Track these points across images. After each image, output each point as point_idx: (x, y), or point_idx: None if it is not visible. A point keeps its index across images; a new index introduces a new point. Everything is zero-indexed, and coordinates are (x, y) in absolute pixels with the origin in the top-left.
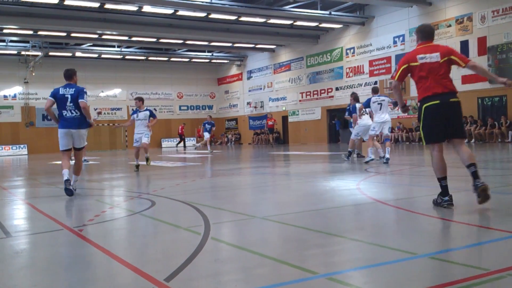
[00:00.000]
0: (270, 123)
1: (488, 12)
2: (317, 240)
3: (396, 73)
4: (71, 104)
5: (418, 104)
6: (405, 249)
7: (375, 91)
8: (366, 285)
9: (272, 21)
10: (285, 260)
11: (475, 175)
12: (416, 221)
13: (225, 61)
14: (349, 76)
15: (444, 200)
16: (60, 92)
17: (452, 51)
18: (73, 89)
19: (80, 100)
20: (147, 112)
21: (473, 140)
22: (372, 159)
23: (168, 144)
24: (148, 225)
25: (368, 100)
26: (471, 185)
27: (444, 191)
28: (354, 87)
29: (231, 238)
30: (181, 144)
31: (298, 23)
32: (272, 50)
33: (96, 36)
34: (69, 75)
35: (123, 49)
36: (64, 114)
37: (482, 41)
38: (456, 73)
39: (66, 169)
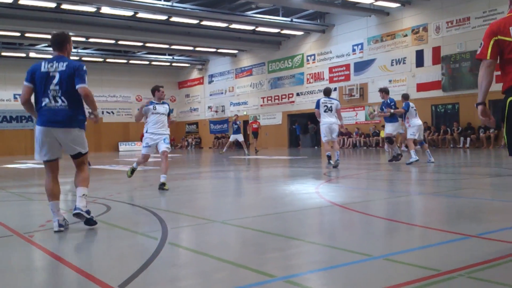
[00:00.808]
0: (254, 126)
1: (442, 23)
2: (275, 243)
3: (485, 50)
4: (57, 87)
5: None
6: (361, 251)
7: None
8: (323, 287)
9: (234, 26)
10: (244, 264)
11: None
12: (372, 224)
13: (186, 65)
14: (309, 82)
15: None
16: (42, 69)
17: None
18: (65, 65)
19: (78, 86)
20: (167, 106)
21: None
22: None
23: (125, 148)
24: (102, 230)
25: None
26: None
27: None
28: (314, 93)
29: (190, 242)
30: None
31: (260, 29)
32: (234, 55)
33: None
34: (59, 42)
35: (79, 51)
36: (43, 103)
37: (436, 50)
38: (411, 81)
39: (53, 200)
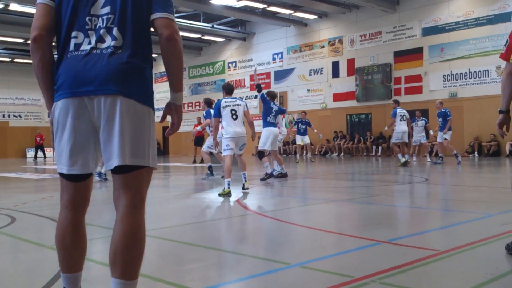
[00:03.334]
0: (198, 129)
1: (356, 36)
2: (194, 254)
3: (509, 51)
4: (108, 10)
5: None
6: (279, 259)
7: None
8: None
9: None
10: (161, 277)
11: None
12: (289, 231)
13: None
14: None
15: None
16: None
17: None
18: None
19: (159, 15)
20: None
21: (342, 154)
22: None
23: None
24: (5, 244)
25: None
26: None
27: None
28: None
29: (103, 255)
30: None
31: (181, 33)
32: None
33: None
34: None
35: None
36: (73, 43)
37: (351, 62)
38: (328, 91)
39: (71, 272)
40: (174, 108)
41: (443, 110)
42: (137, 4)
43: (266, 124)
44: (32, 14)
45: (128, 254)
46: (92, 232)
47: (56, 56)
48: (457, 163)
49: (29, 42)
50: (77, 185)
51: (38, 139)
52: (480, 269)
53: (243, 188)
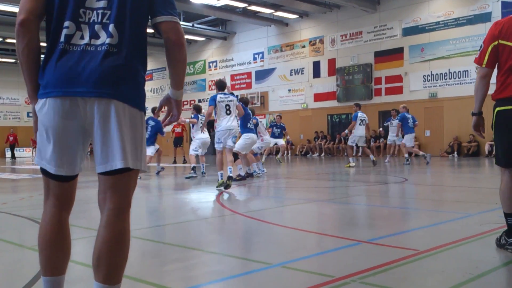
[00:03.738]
0: (177, 130)
1: (337, 36)
2: (175, 254)
3: (483, 55)
4: (104, 4)
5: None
6: (260, 259)
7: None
8: None
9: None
10: (142, 278)
11: None
12: (271, 232)
13: None
14: (211, 89)
15: (508, 242)
16: None
17: None
18: None
19: (163, 19)
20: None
21: (323, 154)
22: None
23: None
24: None
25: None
26: None
27: (510, 230)
28: None
29: (83, 256)
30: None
31: None
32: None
33: None
34: None
35: None
36: (63, 36)
37: (332, 62)
38: (309, 91)
39: (52, 275)
40: (174, 103)
41: (402, 114)
42: (137, 3)
43: (247, 130)
44: (11, 12)
45: (112, 259)
46: (73, 233)
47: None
48: (426, 163)
49: (7, 41)
50: (64, 185)
51: (11, 138)
52: (460, 269)
53: (228, 180)
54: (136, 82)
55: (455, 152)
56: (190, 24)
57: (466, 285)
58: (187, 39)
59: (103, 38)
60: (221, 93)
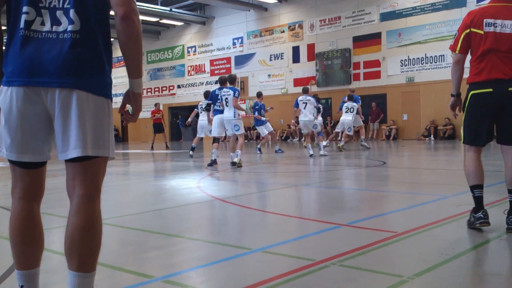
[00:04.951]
0: (158, 116)
1: (316, 21)
2: (155, 242)
3: (456, 43)
4: None
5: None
6: (241, 244)
7: (304, 91)
8: (202, 284)
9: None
10: (121, 266)
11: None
12: (251, 217)
13: None
14: (190, 74)
15: (476, 218)
16: None
17: None
18: None
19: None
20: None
21: (303, 139)
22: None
23: None
24: None
25: (296, 100)
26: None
27: (477, 205)
28: (196, 86)
29: (61, 246)
30: None
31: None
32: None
33: None
34: None
35: None
36: (22, 22)
37: (311, 47)
38: (289, 76)
39: (25, 269)
40: (132, 97)
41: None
42: None
43: (214, 112)
44: None
45: (85, 247)
46: (50, 222)
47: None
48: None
49: None
50: (31, 173)
51: None
52: (437, 250)
53: (233, 164)
54: (100, 70)
55: (432, 135)
56: (168, 8)
57: (443, 266)
58: (165, 23)
59: (65, 25)
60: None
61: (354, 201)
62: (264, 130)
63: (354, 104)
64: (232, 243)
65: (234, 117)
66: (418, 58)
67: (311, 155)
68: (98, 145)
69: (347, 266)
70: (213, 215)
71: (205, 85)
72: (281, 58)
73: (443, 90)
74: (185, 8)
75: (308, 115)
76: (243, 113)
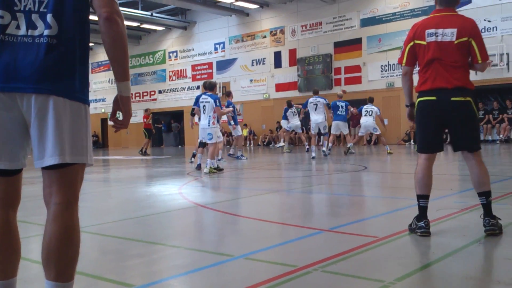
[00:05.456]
0: (145, 121)
1: (297, 26)
2: (136, 249)
3: (402, 55)
4: None
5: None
6: (223, 251)
7: (314, 92)
8: None
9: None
10: (101, 275)
11: (486, 210)
12: (233, 223)
13: None
14: (172, 80)
15: (418, 226)
16: None
17: (476, 33)
18: None
19: (101, 8)
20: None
21: (281, 143)
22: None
23: None
24: None
25: (307, 101)
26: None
27: (421, 214)
28: (177, 91)
29: (39, 254)
30: None
31: None
32: (90, 48)
33: None
34: None
35: None
36: (0, 30)
37: (292, 52)
38: (271, 81)
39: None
40: (121, 101)
41: (333, 102)
42: None
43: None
44: None
45: (62, 256)
46: (28, 230)
47: None
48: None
49: None
50: (7, 180)
51: None
52: (418, 255)
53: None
54: (78, 75)
55: (412, 140)
56: (149, 13)
57: (424, 270)
58: (145, 28)
59: (41, 29)
60: (204, 94)
61: (336, 206)
62: (238, 131)
63: (373, 107)
64: (214, 250)
65: (209, 125)
66: (398, 63)
67: (313, 157)
68: (76, 152)
69: (329, 271)
70: (195, 222)
71: (187, 90)
72: (263, 63)
73: None
74: (166, 13)
75: (320, 116)
76: (224, 118)
